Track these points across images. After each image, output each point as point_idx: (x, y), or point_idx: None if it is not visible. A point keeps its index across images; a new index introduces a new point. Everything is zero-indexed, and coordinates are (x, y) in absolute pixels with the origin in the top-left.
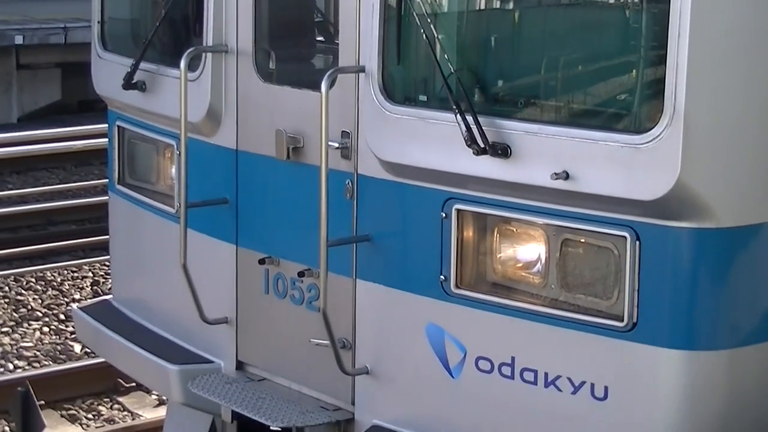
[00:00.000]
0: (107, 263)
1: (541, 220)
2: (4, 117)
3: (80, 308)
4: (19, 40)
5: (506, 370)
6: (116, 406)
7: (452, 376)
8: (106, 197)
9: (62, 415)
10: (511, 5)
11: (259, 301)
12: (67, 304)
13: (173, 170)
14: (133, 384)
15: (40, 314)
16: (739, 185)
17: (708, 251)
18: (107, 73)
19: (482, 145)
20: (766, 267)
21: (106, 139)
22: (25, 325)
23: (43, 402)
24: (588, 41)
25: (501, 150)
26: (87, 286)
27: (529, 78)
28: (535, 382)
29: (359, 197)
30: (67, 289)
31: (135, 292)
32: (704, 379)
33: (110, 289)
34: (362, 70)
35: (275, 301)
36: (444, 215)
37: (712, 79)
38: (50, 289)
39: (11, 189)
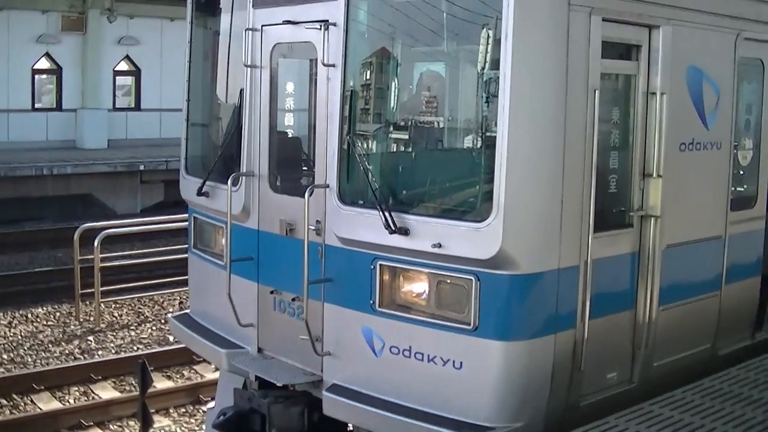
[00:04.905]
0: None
1: (426, 270)
2: (133, 208)
3: (173, 317)
4: (141, 167)
5: (406, 353)
6: (193, 370)
7: (377, 356)
8: (187, 255)
9: (163, 375)
10: (410, 149)
11: (271, 314)
12: (166, 313)
13: (223, 240)
14: (201, 359)
15: (152, 319)
16: (533, 250)
17: (515, 286)
18: (188, 186)
19: (393, 228)
20: (545, 294)
21: (187, 223)
22: (143, 326)
23: (153, 368)
24: (452, 169)
25: (404, 231)
26: (176, 305)
27: (419, 190)
28: (422, 359)
29: (326, 257)
30: (166, 305)
31: (203, 308)
32: (514, 357)
33: (189, 306)
34: (328, 186)
35: (279, 314)
36: (372, 267)
37: (524, 194)
38: (156, 306)
39: (137, 249)
